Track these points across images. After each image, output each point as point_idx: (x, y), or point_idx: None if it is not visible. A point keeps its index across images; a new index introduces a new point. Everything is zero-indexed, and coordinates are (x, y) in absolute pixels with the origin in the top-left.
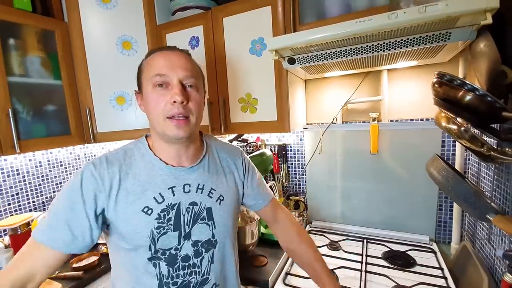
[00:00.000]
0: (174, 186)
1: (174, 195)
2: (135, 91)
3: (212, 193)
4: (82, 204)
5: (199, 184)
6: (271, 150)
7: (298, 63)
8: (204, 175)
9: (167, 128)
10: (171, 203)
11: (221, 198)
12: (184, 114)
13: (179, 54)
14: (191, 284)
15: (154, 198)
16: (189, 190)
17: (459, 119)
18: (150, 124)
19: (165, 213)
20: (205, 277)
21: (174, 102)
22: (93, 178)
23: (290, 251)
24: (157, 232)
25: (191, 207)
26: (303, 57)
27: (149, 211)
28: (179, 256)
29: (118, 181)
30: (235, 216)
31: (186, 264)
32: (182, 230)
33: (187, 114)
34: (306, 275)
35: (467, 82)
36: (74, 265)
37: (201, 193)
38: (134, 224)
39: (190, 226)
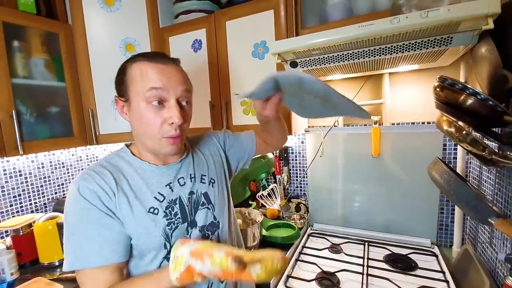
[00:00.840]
0: (171, 183)
1: (172, 191)
2: (117, 98)
3: (204, 179)
4: (108, 216)
5: (190, 174)
6: (272, 152)
7: (300, 67)
8: (191, 166)
9: (162, 146)
10: (172, 199)
11: (212, 180)
12: (180, 134)
13: (173, 68)
14: None
15: (155, 197)
16: (184, 183)
17: (460, 123)
18: (138, 137)
19: (170, 209)
20: None
21: (172, 123)
22: (93, 193)
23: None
24: (169, 228)
25: (190, 196)
26: (305, 60)
27: (155, 211)
28: None
29: (115, 186)
30: (228, 194)
31: None
32: (189, 219)
33: (182, 133)
34: (308, 278)
35: (469, 86)
36: None
37: (195, 181)
38: (144, 226)
39: (193, 213)
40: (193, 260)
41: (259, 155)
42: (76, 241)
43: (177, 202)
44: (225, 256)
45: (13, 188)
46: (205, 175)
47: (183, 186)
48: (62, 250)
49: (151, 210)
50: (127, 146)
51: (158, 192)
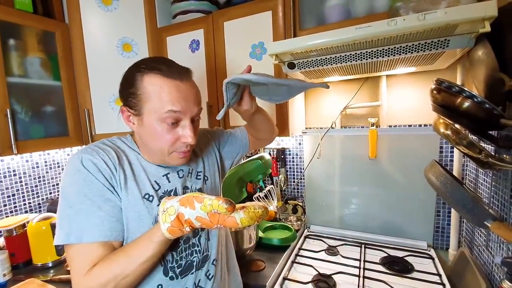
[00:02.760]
0: (169, 173)
1: (169, 181)
2: (127, 109)
3: (200, 175)
4: (111, 192)
5: (189, 169)
6: (270, 154)
7: (297, 68)
8: (189, 162)
9: (171, 159)
10: (167, 190)
11: (206, 178)
12: (190, 148)
13: (190, 85)
14: (194, 263)
15: (152, 185)
16: (183, 175)
17: (457, 126)
18: (147, 147)
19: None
20: (205, 254)
21: (185, 142)
22: (96, 166)
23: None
24: None
25: (185, 191)
26: (303, 62)
27: (150, 198)
28: (182, 239)
29: (118, 163)
30: (219, 191)
31: (187, 245)
32: None
33: (192, 146)
34: (304, 280)
35: (465, 89)
36: (69, 268)
37: (191, 177)
38: (137, 210)
39: None
40: (182, 207)
41: (256, 156)
42: (75, 214)
43: (172, 194)
44: (216, 199)
45: (7, 188)
46: (201, 172)
47: (181, 178)
48: (56, 247)
49: (146, 196)
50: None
51: (155, 181)
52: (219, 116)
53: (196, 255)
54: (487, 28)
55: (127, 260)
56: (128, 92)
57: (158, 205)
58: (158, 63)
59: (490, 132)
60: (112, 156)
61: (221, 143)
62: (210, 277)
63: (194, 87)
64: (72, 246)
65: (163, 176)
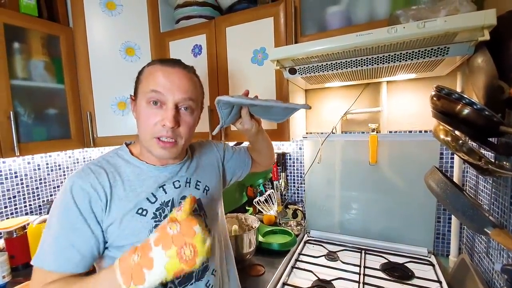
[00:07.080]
0: (165, 184)
1: (166, 192)
2: (131, 96)
3: (199, 185)
4: (84, 222)
5: (187, 179)
6: None
7: (299, 73)
8: (189, 171)
9: (152, 147)
10: (164, 201)
11: (207, 188)
12: (172, 137)
13: (180, 73)
14: (193, 274)
15: (147, 198)
16: (179, 186)
17: (457, 132)
18: (139, 134)
19: (161, 211)
20: (204, 265)
21: (164, 125)
22: (84, 192)
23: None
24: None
25: (182, 201)
26: (304, 67)
27: (144, 212)
28: None
29: (109, 188)
30: (221, 203)
31: None
32: None
33: (175, 138)
34: (304, 285)
35: (465, 96)
36: None
37: (189, 186)
38: (130, 227)
39: None
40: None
41: None
42: (45, 237)
43: (169, 204)
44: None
45: (8, 190)
46: (200, 182)
47: (177, 188)
48: None
49: (139, 211)
50: (127, 145)
51: (152, 193)
52: (214, 132)
53: None
54: (486, 37)
55: None
56: (136, 81)
57: (152, 218)
58: (164, 58)
59: (490, 139)
60: (103, 179)
61: (226, 157)
62: (210, 287)
63: (187, 77)
64: (35, 269)
65: (159, 187)
